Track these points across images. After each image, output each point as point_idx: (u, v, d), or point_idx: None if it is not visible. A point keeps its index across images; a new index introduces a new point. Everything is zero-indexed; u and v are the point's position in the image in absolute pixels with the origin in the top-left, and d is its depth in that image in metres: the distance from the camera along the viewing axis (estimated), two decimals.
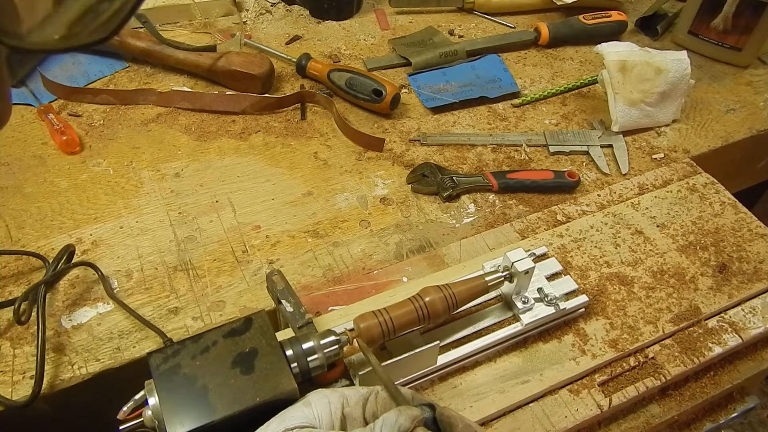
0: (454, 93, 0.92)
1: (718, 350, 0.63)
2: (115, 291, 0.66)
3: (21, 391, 0.58)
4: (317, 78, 0.93)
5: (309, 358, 0.52)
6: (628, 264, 0.69)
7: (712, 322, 0.65)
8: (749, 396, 0.75)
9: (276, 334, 0.52)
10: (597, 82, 0.93)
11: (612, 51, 0.86)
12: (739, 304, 0.67)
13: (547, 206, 0.77)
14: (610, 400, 0.59)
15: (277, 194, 0.78)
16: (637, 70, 0.85)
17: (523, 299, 0.60)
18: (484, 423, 0.57)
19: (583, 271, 0.68)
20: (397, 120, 0.89)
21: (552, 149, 0.85)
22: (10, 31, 0.26)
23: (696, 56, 1.01)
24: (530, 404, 0.59)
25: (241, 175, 0.80)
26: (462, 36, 1.05)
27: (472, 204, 0.78)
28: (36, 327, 0.62)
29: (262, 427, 0.45)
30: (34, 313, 0.64)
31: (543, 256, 0.67)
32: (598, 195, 0.78)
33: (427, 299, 0.55)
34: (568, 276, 0.65)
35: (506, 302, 0.62)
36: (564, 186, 0.79)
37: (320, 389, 0.48)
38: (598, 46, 0.88)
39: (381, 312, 0.54)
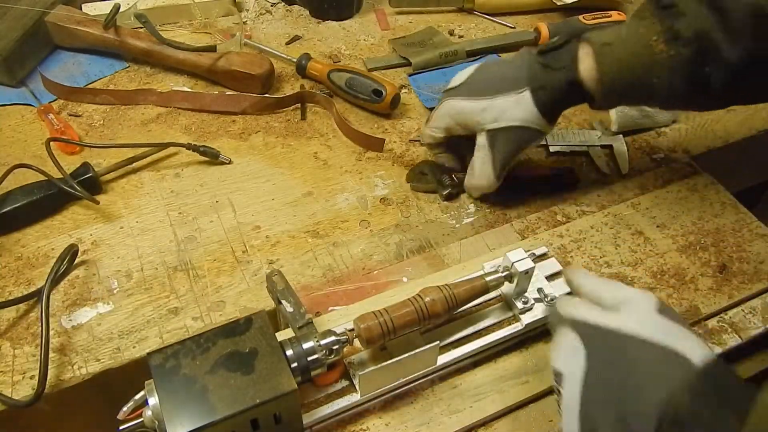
0: None
1: (717, 350, 0.63)
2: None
3: (21, 391, 0.58)
4: (317, 78, 0.93)
5: (309, 358, 0.52)
6: (628, 264, 0.69)
7: (712, 323, 0.65)
8: None
9: (276, 334, 0.52)
10: None
11: None
12: (739, 304, 0.67)
13: (547, 206, 0.77)
14: None
15: (277, 194, 0.78)
16: None
17: (523, 299, 0.60)
18: (484, 423, 0.57)
19: None
20: (397, 120, 0.89)
21: (552, 149, 0.85)
22: None
23: None
24: (530, 404, 0.59)
25: (241, 175, 0.80)
26: (462, 36, 1.05)
27: (472, 204, 0.78)
28: (37, 327, 0.63)
29: None
30: (34, 313, 0.64)
31: (543, 256, 0.67)
32: (598, 195, 0.78)
33: (427, 299, 0.55)
34: None
35: (506, 302, 0.62)
36: (563, 182, 0.79)
37: None
38: None
39: (381, 312, 0.54)
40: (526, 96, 0.66)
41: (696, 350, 0.44)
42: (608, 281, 0.52)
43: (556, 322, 0.51)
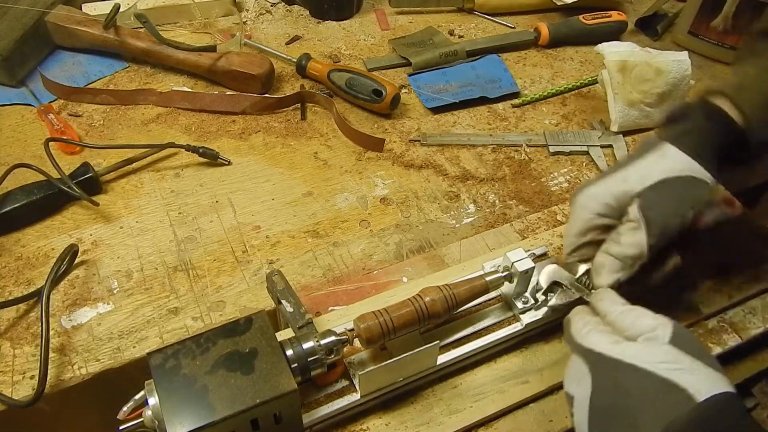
0: (454, 93, 0.92)
1: (717, 350, 0.63)
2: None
3: (21, 391, 0.58)
4: (317, 78, 0.93)
5: (309, 358, 0.52)
6: None
7: (712, 323, 0.65)
8: (749, 396, 0.75)
9: (276, 334, 0.52)
10: (597, 82, 0.93)
11: (612, 51, 0.86)
12: (739, 304, 0.67)
13: (547, 206, 0.77)
14: None
15: (277, 194, 0.78)
16: (637, 71, 0.85)
17: (523, 299, 0.60)
18: (484, 423, 0.57)
19: None
20: (397, 120, 0.89)
21: (552, 149, 0.85)
22: None
23: (696, 56, 1.01)
24: (530, 404, 0.59)
25: (241, 175, 0.80)
26: (462, 36, 1.05)
27: (472, 204, 0.78)
28: (37, 327, 0.63)
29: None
30: (34, 313, 0.64)
31: (543, 256, 0.67)
32: None
33: (427, 299, 0.55)
34: None
35: (506, 302, 0.62)
36: None
37: None
38: (599, 45, 0.88)
39: (381, 312, 0.54)
40: (668, 148, 0.57)
41: (702, 385, 0.42)
42: (632, 309, 0.50)
43: (569, 344, 0.51)
